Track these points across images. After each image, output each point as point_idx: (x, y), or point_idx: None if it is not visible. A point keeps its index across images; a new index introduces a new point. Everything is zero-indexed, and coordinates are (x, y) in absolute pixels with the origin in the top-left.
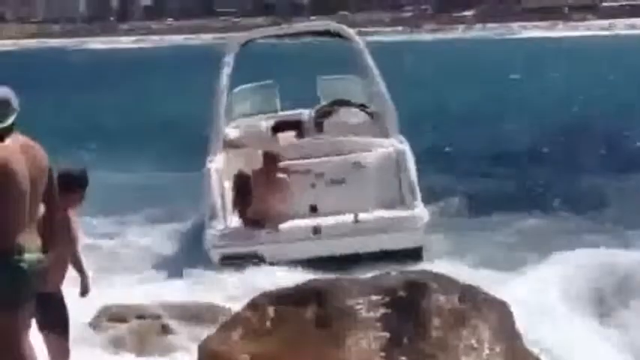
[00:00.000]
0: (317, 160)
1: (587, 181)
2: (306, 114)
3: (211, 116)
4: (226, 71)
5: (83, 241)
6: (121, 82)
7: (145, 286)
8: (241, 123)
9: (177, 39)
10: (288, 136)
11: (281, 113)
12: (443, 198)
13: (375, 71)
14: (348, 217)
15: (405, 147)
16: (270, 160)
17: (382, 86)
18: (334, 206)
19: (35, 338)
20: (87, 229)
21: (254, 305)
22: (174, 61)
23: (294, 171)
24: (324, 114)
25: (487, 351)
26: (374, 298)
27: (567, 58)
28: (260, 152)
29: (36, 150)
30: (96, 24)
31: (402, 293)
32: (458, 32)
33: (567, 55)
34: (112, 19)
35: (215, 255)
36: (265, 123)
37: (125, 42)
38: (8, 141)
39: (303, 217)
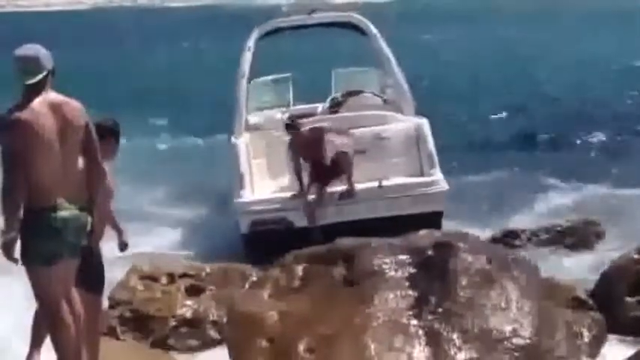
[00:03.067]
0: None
1: None
2: (319, 107)
3: (232, 101)
4: (247, 57)
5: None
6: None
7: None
8: (258, 114)
9: None
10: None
11: (295, 107)
12: None
13: (393, 61)
14: (373, 183)
15: (424, 120)
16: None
17: (400, 75)
18: (357, 175)
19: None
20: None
21: (283, 265)
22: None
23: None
24: (337, 104)
25: (515, 310)
26: (402, 257)
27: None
28: (280, 135)
29: (69, 107)
30: None
31: (430, 253)
32: None
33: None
34: None
35: (245, 221)
36: (281, 116)
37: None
38: (37, 99)
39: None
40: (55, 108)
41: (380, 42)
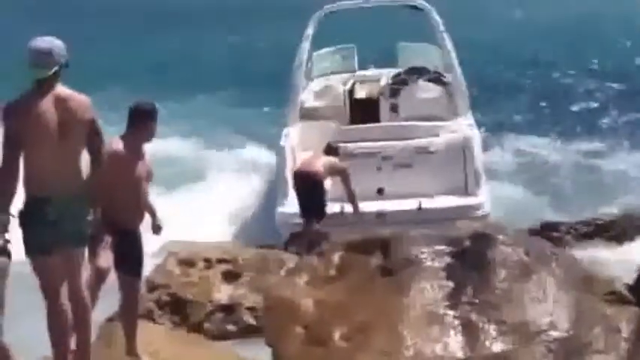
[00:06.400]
0: (384, 143)
1: None
2: (384, 74)
3: (289, 88)
4: (306, 44)
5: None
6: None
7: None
8: (320, 84)
9: None
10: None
11: (359, 73)
12: None
13: (450, 46)
14: (412, 204)
15: (474, 132)
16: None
17: (455, 61)
18: (400, 190)
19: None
20: None
21: (320, 252)
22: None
23: (361, 153)
24: (400, 81)
25: (552, 303)
26: (439, 248)
27: None
28: (334, 125)
29: (75, 101)
30: None
31: (467, 244)
32: None
33: None
34: None
35: (284, 232)
36: (342, 86)
37: None
38: (44, 92)
39: (369, 199)
40: (59, 101)
41: (440, 26)
